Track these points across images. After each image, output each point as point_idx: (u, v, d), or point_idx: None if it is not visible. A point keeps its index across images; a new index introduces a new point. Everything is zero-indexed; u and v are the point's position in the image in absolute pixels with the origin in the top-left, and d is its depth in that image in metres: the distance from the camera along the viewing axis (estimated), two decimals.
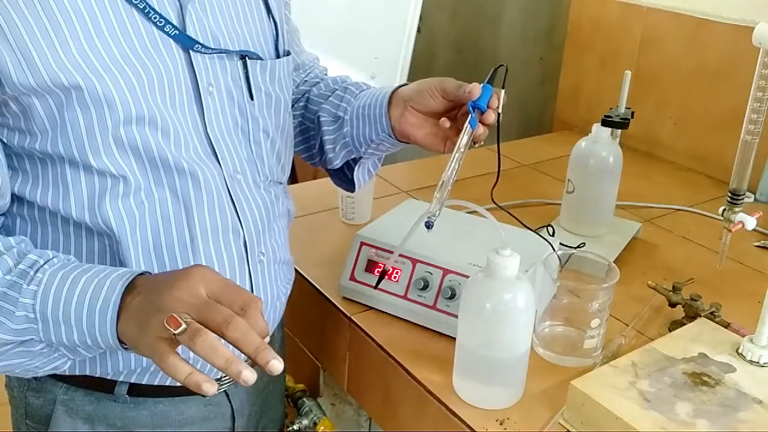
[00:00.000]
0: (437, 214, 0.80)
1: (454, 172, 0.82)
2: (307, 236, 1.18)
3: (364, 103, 0.92)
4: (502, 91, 0.86)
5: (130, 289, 0.64)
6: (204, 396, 0.58)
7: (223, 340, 0.58)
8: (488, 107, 0.84)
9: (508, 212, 0.94)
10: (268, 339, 0.60)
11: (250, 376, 0.57)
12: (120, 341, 0.64)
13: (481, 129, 0.84)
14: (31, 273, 0.66)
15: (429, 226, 0.79)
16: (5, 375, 0.88)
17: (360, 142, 0.94)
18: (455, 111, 0.88)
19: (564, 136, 1.74)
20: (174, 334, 0.57)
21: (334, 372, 1.11)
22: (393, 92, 0.91)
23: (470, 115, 0.83)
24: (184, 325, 0.57)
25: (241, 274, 0.81)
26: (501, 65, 0.87)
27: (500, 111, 0.86)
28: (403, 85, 0.91)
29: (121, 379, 0.80)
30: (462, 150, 0.83)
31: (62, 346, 0.67)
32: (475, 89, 0.84)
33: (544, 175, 1.50)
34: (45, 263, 0.67)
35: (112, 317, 0.63)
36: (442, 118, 0.86)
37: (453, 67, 2.16)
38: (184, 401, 0.85)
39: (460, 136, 0.83)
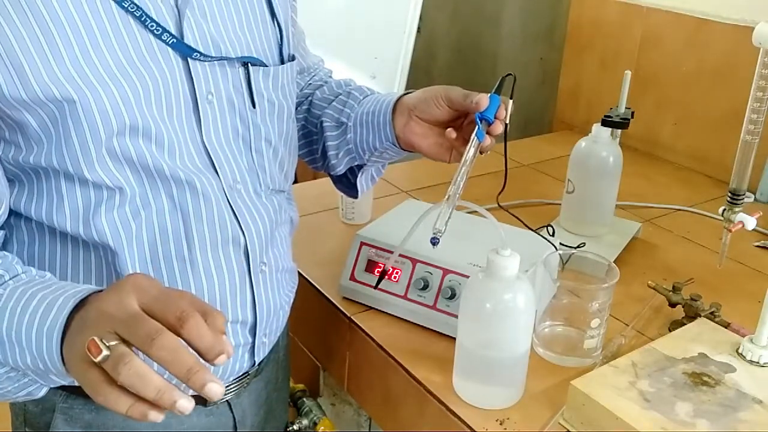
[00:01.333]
0: (443, 230, 0.77)
1: (461, 186, 0.81)
2: (307, 236, 1.18)
3: (368, 110, 0.91)
4: (510, 101, 0.84)
5: (79, 307, 0.58)
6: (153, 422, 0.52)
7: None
8: (495, 118, 0.82)
9: (517, 217, 0.93)
10: (224, 358, 0.51)
11: (186, 405, 0.50)
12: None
13: (488, 140, 0.83)
14: None
15: (435, 243, 0.77)
16: None
17: (363, 149, 0.92)
18: (461, 120, 0.87)
19: (564, 136, 1.74)
20: (97, 362, 0.50)
21: (334, 372, 1.11)
22: (397, 100, 0.89)
23: (477, 127, 0.82)
24: (105, 352, 0.50)
25: (242, 285, 0.80)
26: (509, 74, 0.85)
27: (508, 121, 0.84)
28: (408, 93, 0.90)
29: None
30: (468, 163, 0.81)
31: (29, 370, 0.61)
32: (483, 100, 0.82)
33: (544, 175, 1.50)
34: (10, 279, 0.64)
35: (57, 339, 0.57)
36: (448, 129, 0.84)
37: (453, 67, 2.16)
38: None
39: (467, 148, 0.82)
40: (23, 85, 0.63)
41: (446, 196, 0.80)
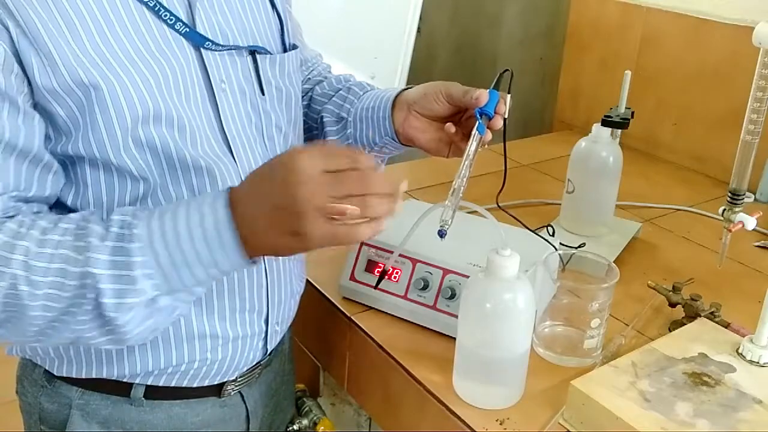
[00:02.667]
0: (450, 222, 0.79)
1: (465, 179, 0.82)
2: None
3: (368, 105, 0.92)
4: (509, 96, 0.85)
5: (232, 205, 0.63)
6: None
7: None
8: (495, 113, 0.83)
9: (515, 217, 0.94)
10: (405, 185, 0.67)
11: (399, 207, 0.66)
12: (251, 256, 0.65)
13: (488, 135, 0.84)
14: (127, 232, 0.63)
15: (442, 235, 0.78)
16: (16, 381, 0.87)
17: (363, 144, 0.94)
18: (459, 115, 0.88)
19: (564, 136, 1.74)
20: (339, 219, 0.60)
21: (334, 372, 1.11)
22: (397, 95, 0.90)
23: (478, 122, 0.83)
24: (350, 209, 0.61)
25: (258, 271, 0.81)
26: (506, 70, 0.86)
27: (507, 116, 0.85)
28: (407, 88, 0.91)
29: (137, 381, 0.80)
30: (471, 157, 0.83)
31: (182, 292, 0.66)
32: (483, 96, 0.83)
33: (544, 175, 1.50)
34: (132, 218, 0.65)
35: (235, 239, 0.63)
36: (448, 124, 0.86)
37: (453, 67, 2.16)
38: (201, 403, 0.85)
39: (469, 143, 0.83)
40: (53, 72, 0.65)
41: (451, 190, 0.81)
